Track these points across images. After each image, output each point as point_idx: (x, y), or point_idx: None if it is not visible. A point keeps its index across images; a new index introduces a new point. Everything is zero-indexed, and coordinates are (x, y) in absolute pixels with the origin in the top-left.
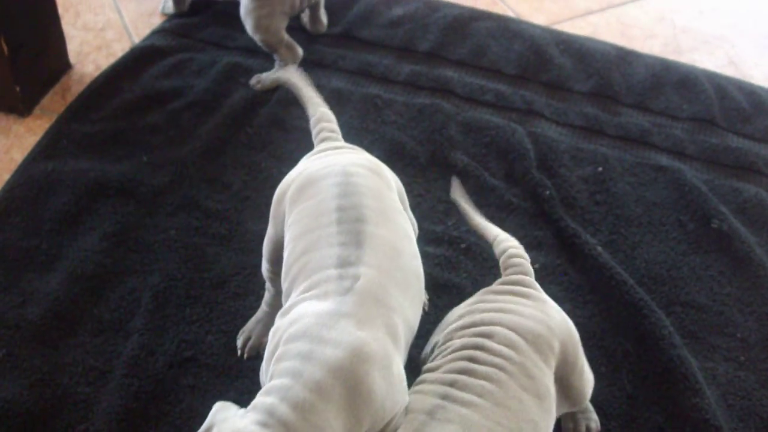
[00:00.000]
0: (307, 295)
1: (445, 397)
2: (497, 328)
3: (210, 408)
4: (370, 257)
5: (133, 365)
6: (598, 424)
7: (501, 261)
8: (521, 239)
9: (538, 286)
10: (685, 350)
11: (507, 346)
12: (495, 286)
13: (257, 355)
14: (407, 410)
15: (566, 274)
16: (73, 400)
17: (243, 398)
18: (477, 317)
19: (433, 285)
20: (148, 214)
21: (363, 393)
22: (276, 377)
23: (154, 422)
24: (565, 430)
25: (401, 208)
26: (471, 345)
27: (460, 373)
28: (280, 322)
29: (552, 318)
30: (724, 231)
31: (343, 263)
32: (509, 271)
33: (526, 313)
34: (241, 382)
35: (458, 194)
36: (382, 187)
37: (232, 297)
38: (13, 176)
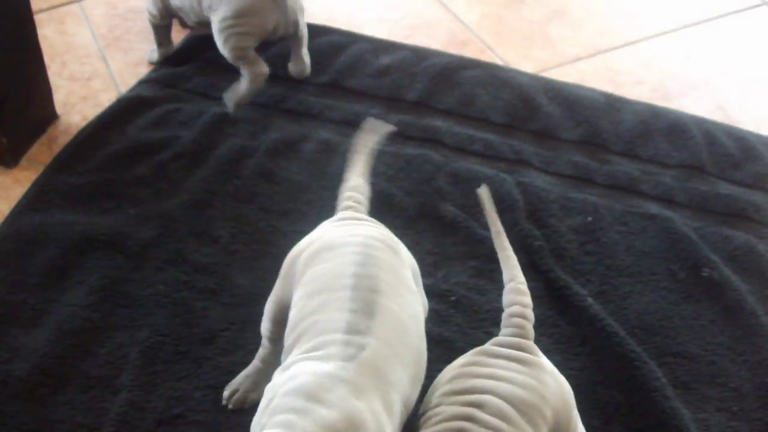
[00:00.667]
0: (310, 354)
1: None
2: (488, 398)
3: None
4: (379, 329)
5: (122, 422)
6: None
7: (504, 314)
8: None
9: (536, 349)
10: (678, 401)
11: (498, 417)
12: (490, 347)
13: (242, 409)
14: None
15: (557, 325)
16: None
17: None
18: (469, 383)
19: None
20: (136, 269)
21: None
22: (268, 429)
23: None
24: None
25: (414, 287)
26: (461, 415)
27: None
28: (278, 378)
29: (547, 386)
30: (715, 279)
31: (352, 330)
32: (508, 331)
33: (520, 382)
34: None
35: (487, 204)
36: (398, 264)
37: (220, 353)
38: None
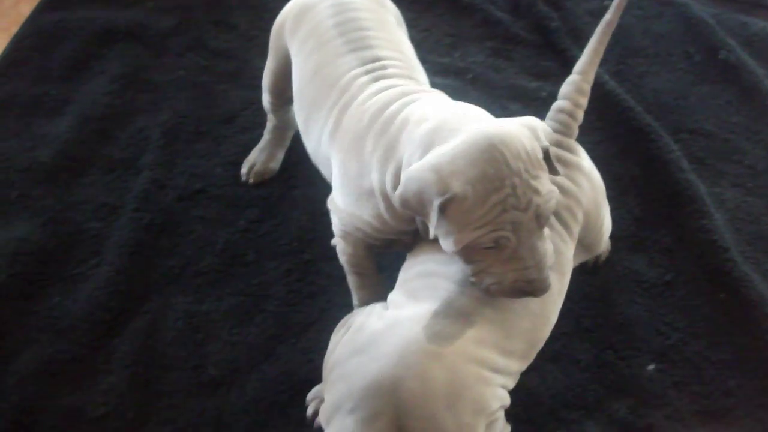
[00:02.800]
0: (340, 101)
1: None
2: None
3: (220, 238)
4: (384, 52)
5: (144, 200)
6: (609, 245)
7: (553, 105)
8: (528, 70)
9: (577, 147)
10: (693, 175)
11: None
12: None
13: (261, 183)
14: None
15: None
16: (84, 236)
17: (252, 226)
18: None
19: None
20: (156, 56)
21: None
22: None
23: (165, 252)
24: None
25: (397, 29)
26: None
27: None
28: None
29: (582, 189)
30: (731, 62)
31: (365, 61)
32: (551, 125)
33: (557, 183)
34: (250, 212)
35: None
36: (377, 7)
37: (240, 131)
38: (21, 28)
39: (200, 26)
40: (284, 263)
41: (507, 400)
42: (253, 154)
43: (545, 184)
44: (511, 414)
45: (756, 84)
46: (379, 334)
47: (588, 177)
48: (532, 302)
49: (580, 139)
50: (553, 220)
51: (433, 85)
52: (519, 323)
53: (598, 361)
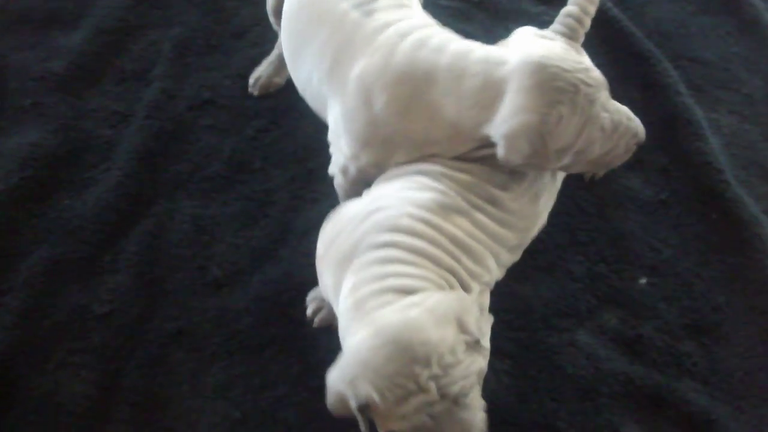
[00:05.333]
0: (333, 40)
1: None
2: None
3: (227, 146)
4: None
5: (154, 108)
6: None
7: (562, 10)
8: None
9: (581, 51)
10: (691, 100)
11: None
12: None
13: (268, 95)
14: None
15: None
16: (95, 143)
17: (259, 135)
18: None
19: None
20: None
21: None
22: None
23: (173, 159)
24: None
25: None
26: None
27: None
28: None
29: None
30: None
31: None
32: (557, 28)
33: None
34: (257, 122)
35: None
36: None
37: (250, 45)
38: None
39: None
40: (289, 171)
41: (492, 282)
42: (261, 67)
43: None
44: (504, 321)
45: (756, 16)
46: (376, 200)
47: None
48: (528, 205)
49: None
50: None
51: (439, 7)
52: (514, 221)
53: (591, 273)
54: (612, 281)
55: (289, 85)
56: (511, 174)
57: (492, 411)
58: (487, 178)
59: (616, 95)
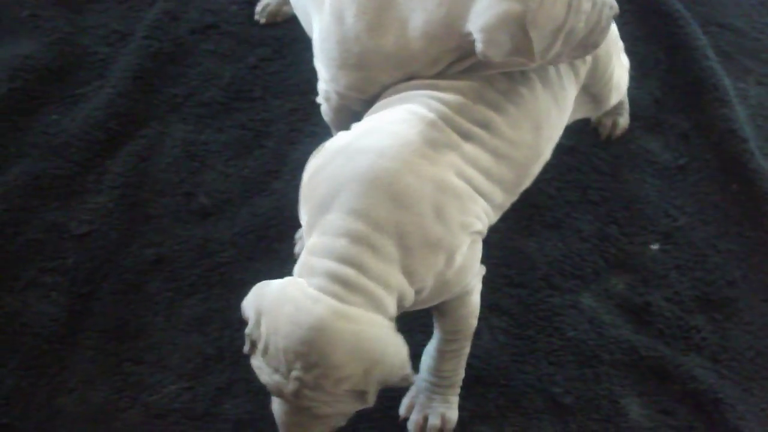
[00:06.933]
0: None
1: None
2: None
3: (227, 73)
4: None
5: (155, 28)
6: (627, 121)
7: None
8: None
9: None
10: (718, 66)
11: None
12: None
13: (274, 23)
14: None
15: None
16: (91, 59)
17: (262, 64)
18: None
19: None
20: None
21: None
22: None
23: (170, 81)
24: (595, 119)
25: None
26: None
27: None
28: None
29: None
30: None
31: None
32: None
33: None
34: (261, 50)
35: None
36: None
37: None
38: None
39: None
40: (289, 102)
41: (485, 229)
42: None
43: None
44: (504, 276)
45: None
46: (369, 131)
47: None
48: (527, 133)
49: None
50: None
51: None
52: (512, 152)
53: (601, 234)
54: (622, 244)
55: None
56: (506, 93)
57: (484, 370)
58: (478, 96)
59: (642, 54)
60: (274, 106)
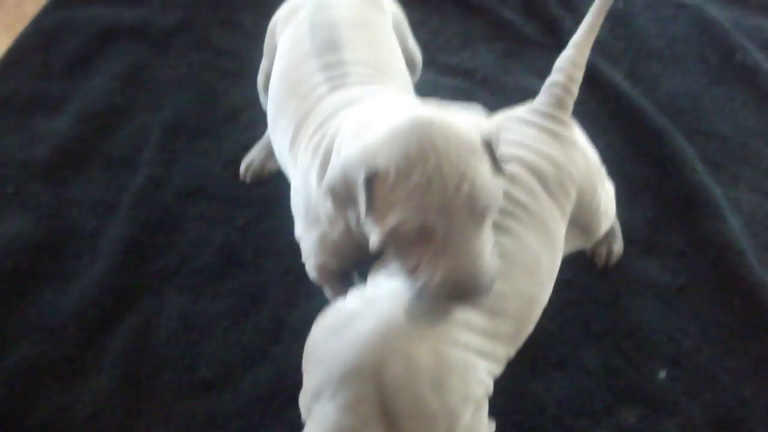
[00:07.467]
0: (298, 112)
1: None
2: (518, 171)
3: (217, 237)
4: (352, 55)
5: (141, 197)
6: (622, 247)
7: (547, 80)
8: (539, 72)
9: (570, 122)
10: (708, 178)
11: (527, 192)
12: (523, 112)
13: (260, 182)
14: None
15: (584, 102)
16: (80, 233)
17: (251, 225)
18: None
19: None
20: (159, 54)
21: None
22: None
23: (160, 251)
24: (590, 249)
25: (389, 29)
26: None
27: None
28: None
29: (575, 164)
30: (748, 65)
31: (328, 66)
32: (545, 99)
33: (549, 156)
34: (249, 210)
35: None
36: (366, 7)
37: (241, 129)
38: (25, 28)
39: (205, 24)
40: (282, 263)
41: (491, 387)
42: (253, 152)
43: (482, 174)
44: (513, 423)
45: None
46: (357, 314)
47: (582, 154)
48: (521, 282)
49: (592, 141)
50: (541, 192)
51: (441, 86)
52: (506, 305)
53: (607, 367)
54: (629, 376)
55: (282, 171)
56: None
57: None
58: None
59: (630, 174)
60: (267, 268)
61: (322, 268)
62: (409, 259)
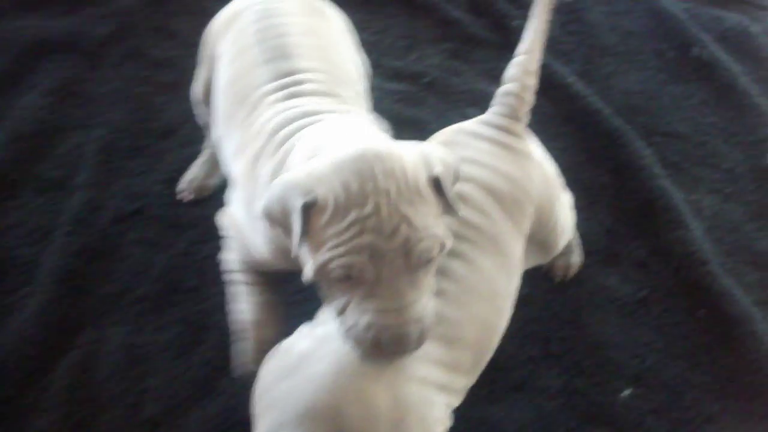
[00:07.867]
0: (247, 120)
1: None
2: (471, 191)
3: (158, 263)
4: (304, 62)
5: (77, 222)
6: (580, 258)
7: (498, 90)
8: (489, 72)
9: (527, 134)
10: (667, 181)
11: (481, 213)
12: (473, 125)
13: (202, 200)
14: None
15: (537, 106)
16: (15, 263)
17: (193, 249)
18: None
19: (396, 121)
20: (92, 67)
21: None
22: None
23: (100, 280)
24: (547, 263)
25: (337, 36)
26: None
27: None
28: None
29: (531, 181)
30: (705, 59)
31: (280, 75)
32: (498, 110)
33: (504, 172)
34: (191, 233)
35: None
36: (311, 14)
37: (180, 145)
38: None
39: (139, 34)
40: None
41: (449, 424)
42: (193, 168)
43: (424, 218)
44: None
45: (732, 82)
46: (309, 354)
47: (539, 167)
48: (476, 308)
49: (546, 145)
50: (499, 213)
51: (387, 91)
52: (463, 333)
53: (569, 388)
54: (592, 396)
55: (224, 190)
56: (440, 273)
57: None
58: None
59: (586, 181)
60: (211, 295)
61: (248, 265)
62: (339, 299)
